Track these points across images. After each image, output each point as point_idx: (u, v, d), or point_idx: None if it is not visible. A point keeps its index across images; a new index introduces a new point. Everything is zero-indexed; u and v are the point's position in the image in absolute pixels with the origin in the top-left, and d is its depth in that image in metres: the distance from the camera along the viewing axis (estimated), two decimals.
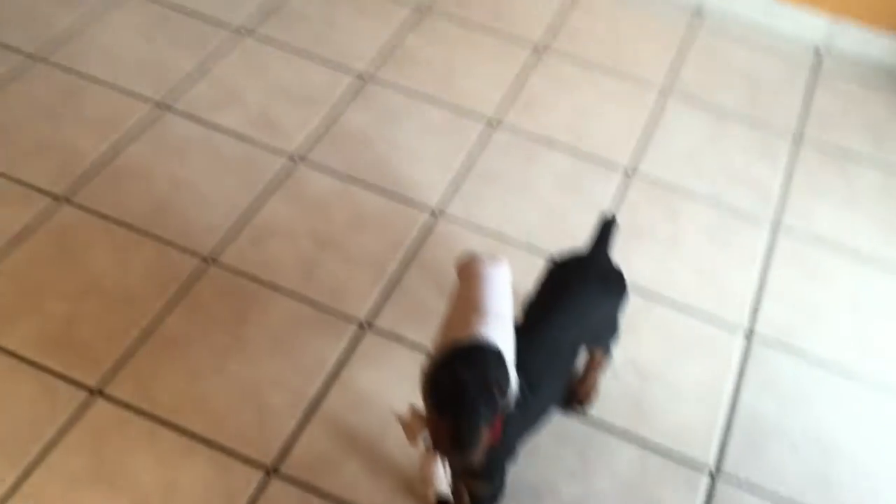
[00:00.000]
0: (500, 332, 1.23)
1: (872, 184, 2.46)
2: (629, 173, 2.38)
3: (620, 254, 2.15)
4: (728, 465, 1.81)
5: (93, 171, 2.17)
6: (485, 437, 1.21)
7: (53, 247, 2.00)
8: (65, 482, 1.64)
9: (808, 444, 1.87)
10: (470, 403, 1.18)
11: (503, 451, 1.39)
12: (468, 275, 1.32)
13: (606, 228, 1.70)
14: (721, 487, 1.78)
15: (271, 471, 1.70)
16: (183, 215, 2.11)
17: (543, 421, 1.57)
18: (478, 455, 1.20)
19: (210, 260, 2.03)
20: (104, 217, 2.08)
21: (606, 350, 1.81)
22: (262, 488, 1.67)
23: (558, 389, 1.56)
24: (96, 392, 1.77)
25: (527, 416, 1.43)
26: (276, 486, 1.68)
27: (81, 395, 1.76)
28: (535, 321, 1.52)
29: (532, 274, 2.02)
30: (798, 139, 2.55)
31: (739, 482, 1.79)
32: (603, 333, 1.72)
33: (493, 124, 2.45)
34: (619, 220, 2.24)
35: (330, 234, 2.12)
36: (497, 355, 1.22)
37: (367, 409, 1.80)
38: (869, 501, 1.79)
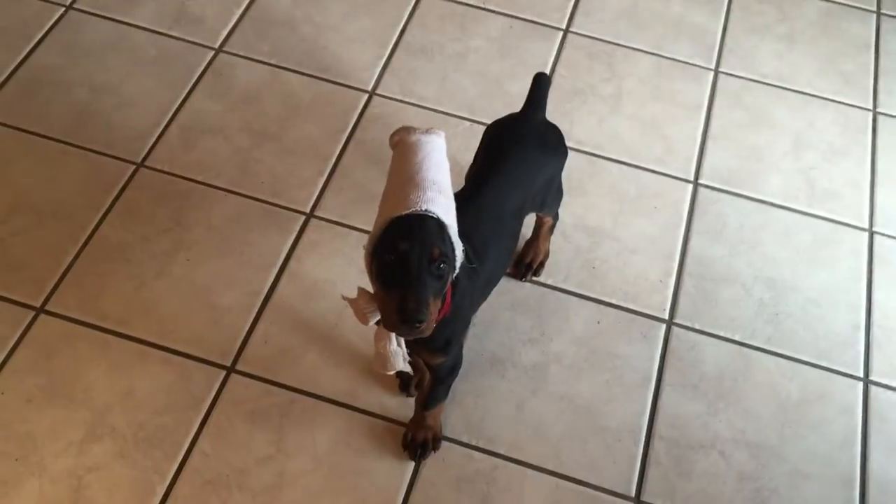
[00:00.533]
0: (439, 201, 1.20)
1: (811, 19, 2.42)
2: (566, 32, 2.31)
3: (563, 116, 2.11)
4: (682, 315, 1.84)
5: (1, 84, 2.05)
6: (433, 308, 1.19)
7: None
8: (21, 402, 1.61)
9: (758, 284, 1.90)
10: (415, 275, 1.16)
11: (456, 321, 1.39)
12: (402, 147, 1.28)
13: (540, 87, 1.65)
14: (676, 337, 1.81)
15: (231, 369, 1.69)
16: (106, 121, 2.01)
17: (491, 288, 1.56)
18: (428, 327, 1.19)
19: (141, 165, 1.95)
20: (23, 131, 1.98)
21: (554, 215, 1.80)
22: (224, 387, 1.66)
23: (505, 256, 1.55)
24: (40, 310, 1.72)
25: (476, 285, 1.42)
26: (238, 382, 1.67)
27: (25, 314, 1.71)
28: (475, 188, 1.49)
29: (476, 145, 1.98)
30: None
31: (694, 329, 1.82)
32: (548, 198, 1.70)
33: None
34: (559, 81, 2.19)
35: (263, 125, 2.05)
36: (438, 224, 1.19)
37: (320, 299, 1.78)
38: (820, 330, 1.84)
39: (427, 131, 1.29)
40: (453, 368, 1.50)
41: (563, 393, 1.71)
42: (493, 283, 1.56)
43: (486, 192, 1.48)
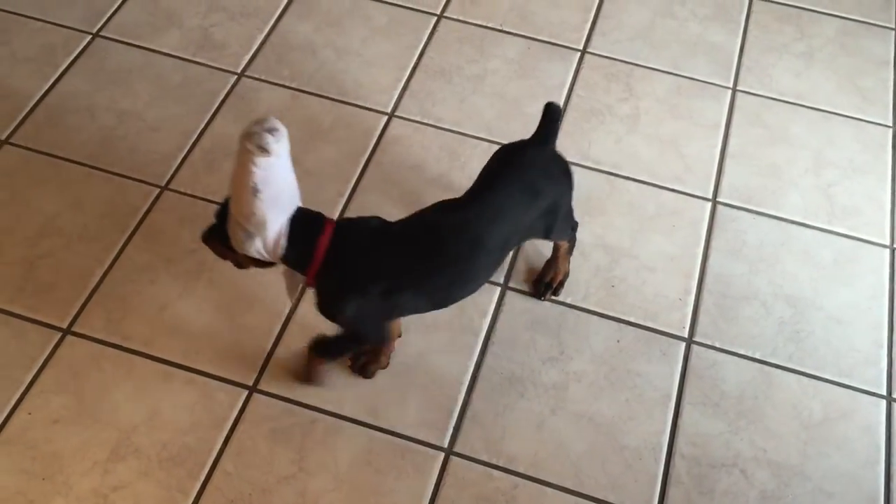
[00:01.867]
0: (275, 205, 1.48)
1: (829, 36, 2.42)
2: (583, 52, 2.33)
3: (581, 136, 2.13)
4: (702, 333, 1.84)
5: (30, 110, 2.10)
6: (212, 243, 1.55)
7: (2, 191, 1.95)
8: (47, 423, 1.64)
9: (778, 302, 1.89)
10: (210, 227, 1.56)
11: (336, 296, 1.53)
12: (243, 157, 1.45)
13: (549, 117, 1.63)
14: (696, 355, 1.81)
15: (253, 388, 1.71)
16: (131, 145, 2.05)
17: (435, 297, 1.58)
18: (212, 248, 1.56)
19: (165, 188, 1.99)
20: (50, 155, 2.02)
21: (570, 238, 1.80)
22: (247, 406, 1.68)
23: (466, 277, 1.57)
24: (67, 332, 1.75)
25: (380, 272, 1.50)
26: (260, 402, 1.69)
27: (52, 336, 1.75)
28: (458, 208, 1.54)
29: None
30: None
31: (715, 347, 1.82)
32: (554, 226, 1.68)
33: (439, 18, 2.38)
34: (577, 101, 2.21)
35: None
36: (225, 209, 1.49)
37: None
38: (842, 348, 1.83)
39: (265, 136, 1.45)
40: (346, 339, 1.62)
41: (583, 411, 1.71)
42: (468, 284, 1.58)
43: (468, 215, 1.53)
